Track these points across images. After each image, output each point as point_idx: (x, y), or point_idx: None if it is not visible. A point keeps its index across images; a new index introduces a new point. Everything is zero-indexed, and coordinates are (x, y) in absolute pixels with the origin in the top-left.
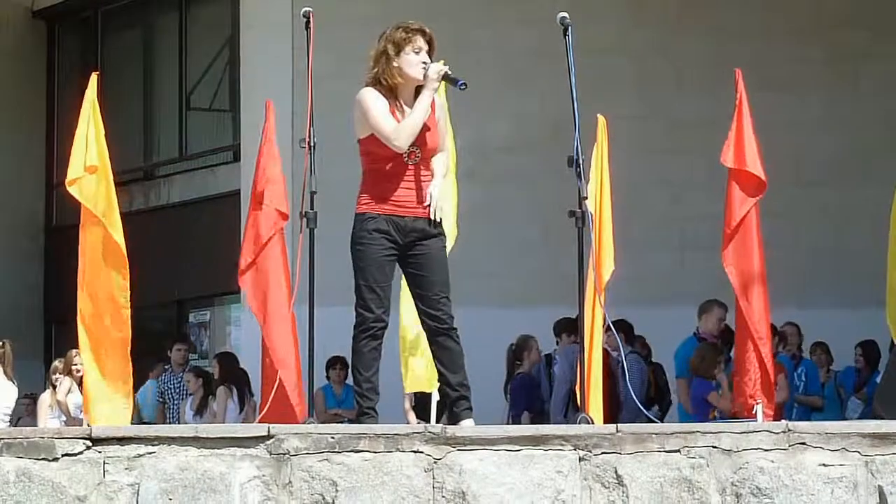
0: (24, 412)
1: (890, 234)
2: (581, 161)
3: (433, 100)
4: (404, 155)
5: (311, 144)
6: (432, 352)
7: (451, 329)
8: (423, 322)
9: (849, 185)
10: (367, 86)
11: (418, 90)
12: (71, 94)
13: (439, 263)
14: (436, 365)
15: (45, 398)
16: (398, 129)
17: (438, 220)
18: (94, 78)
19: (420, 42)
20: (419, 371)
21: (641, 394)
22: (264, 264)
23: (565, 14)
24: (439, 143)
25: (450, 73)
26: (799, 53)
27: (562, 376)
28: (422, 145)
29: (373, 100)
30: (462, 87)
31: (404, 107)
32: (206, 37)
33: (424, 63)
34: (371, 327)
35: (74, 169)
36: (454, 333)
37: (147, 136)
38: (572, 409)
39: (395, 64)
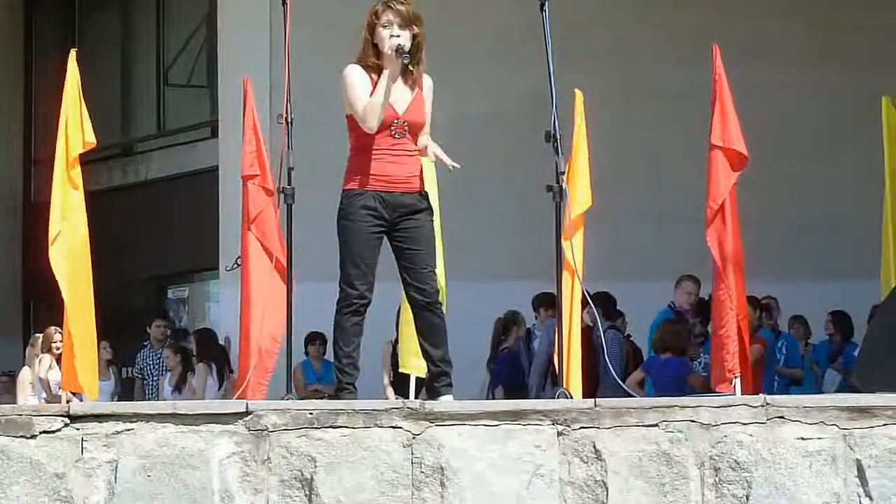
0: (2, 390)
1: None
2: (559, 136)
3: (419, 76)
4: (392, 128)
5: (289, 120)
6: (416, 326)
7: (436, 303)
8: (408, 295)
9: (829, 158)
10: (355, 62)
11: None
12: (49, 71)
13: (426, 238)
14: (418, 339)
15: (25, 375)
16: (364, 110)
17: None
18: (72, 55)
19: (389, 16)
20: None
21: (620, 369)
22: (255, 239)
23: None
24: (426, 118)
25: (402, 46)
26: (781, 26)
27: (541, 349)
28: (408, 118)
29: (353, 77)
30: (405, 60)
31: (398, 84)
32: (184, 13)
33: (394, 37)
34: (353, 303)
35: (75, 147)
36: (438, 308)
37: (125, 113)
38: (550, 384)
39: (373, 41)
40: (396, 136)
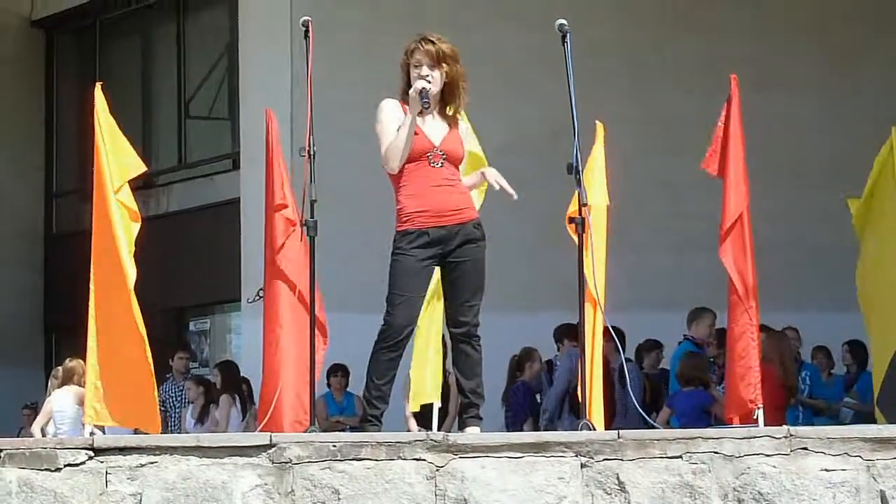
0: (25, 423)
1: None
2: (580, 168)
3: (455, 114)
4: (429, 157)
5: (312, 153)
6: (453, 356)
7: (475, 336)
8: (448, 324)
9: (846, 186)
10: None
11: (445, 97)
12: (70, 103)
13: (477, 270)
14: (454, 369)
15: (49, 407)
16: (386, 151)
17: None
18: (98, 88)
19: (418, 56)
20: (423, 385)
21: (640, 402)
22: (280, 270)
23: (563, 21)
24: (462, 152)
25: (426, 89)
26: (797, 52)
27: (560, 376)
28: (445, 148)
29: (384, 113)
30: (425, 106)
31: (433, 119)
32: (205, 45)
33: (420, 78)
34: (391, 337)
35: (123, 174)
36: (476, 341)
37: (146, 145)
38: (567, 411)
39: (407, 80)
40: (435, 164)
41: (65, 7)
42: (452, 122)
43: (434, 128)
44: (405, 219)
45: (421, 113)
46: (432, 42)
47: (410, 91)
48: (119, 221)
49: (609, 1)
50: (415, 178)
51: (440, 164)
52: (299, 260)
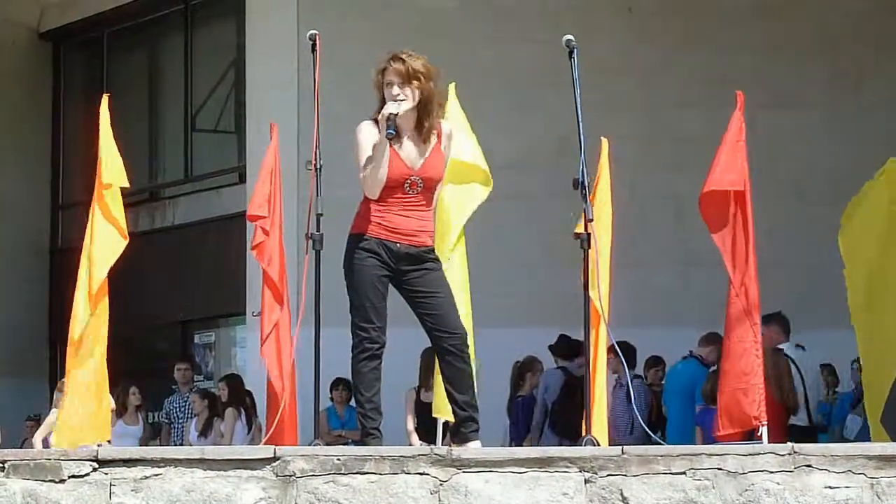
0: (28, 434)
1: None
2: (587, 183)
3: (433, 127)
4: (406, 185)
5: (318, 167)
6: (441, 371)
7: (463, 347)
8: (433, 341)
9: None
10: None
11: (420, 115)
12: (77, 116)
13: (439, 282)
14: (444, 384)
15: (53, 418)
16: (364, 181)
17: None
18: (104, 101)
19: (390, 75)
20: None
21: (645, 420)
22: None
23: (571, 37)
24: (442, 174)
25: (392, 114)
26: (802, 70)
27: (540, 399)
28: (424, 174)
29: (360, 136)
30: (389, 136)
31: (410, 141)
32: (212, 58)
33: (395, 97)
34: (368, 348)
35: (109, 175)
36: (465, 353)
37: (152, 158)
38: (549, 431)
39: (381, 98)
40: (410, 191)
41: (72, 20)
42: (430, 138)
43: (413, 151)
44: (358, 221)
45: (416, 126)
46: (402, 60)
47: (378, 116)
48: (103, 233)
49: (616, 18)
50: (385, 196)
51: (417, 192)
52: (279, 267)
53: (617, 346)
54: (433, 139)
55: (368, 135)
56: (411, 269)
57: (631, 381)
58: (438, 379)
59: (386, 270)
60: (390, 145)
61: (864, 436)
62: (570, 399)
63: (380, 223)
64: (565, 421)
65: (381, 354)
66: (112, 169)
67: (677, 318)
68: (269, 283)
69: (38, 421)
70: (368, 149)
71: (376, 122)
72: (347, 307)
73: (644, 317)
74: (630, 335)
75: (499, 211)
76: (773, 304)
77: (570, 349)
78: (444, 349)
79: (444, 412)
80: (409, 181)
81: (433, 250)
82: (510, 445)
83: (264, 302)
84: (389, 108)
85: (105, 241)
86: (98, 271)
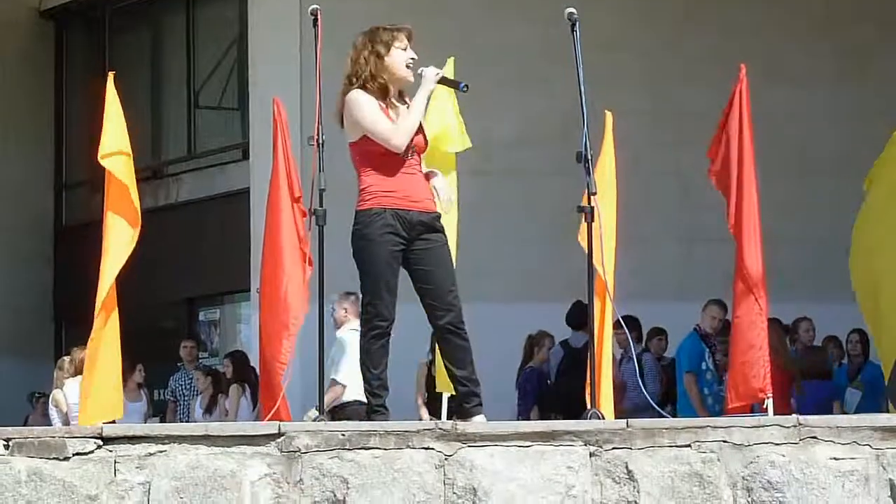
0: (39, 411)
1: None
2: (590, 156)
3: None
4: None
5: (320, 142)
6: (440, 348)
7: (462, 323)
8: (430, 317)
9: (856, 178)
10: (354, 88)
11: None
12: (80, 94)
13: (445, 257)
14: (443, 361)
15: (60, 396)
16: (396, 130)
17: (445, 210)
18: (110, 78)
19: (404, 39)
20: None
21: (657, 393)
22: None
23: (573, 10)
24: (426, 142)
25: (447, 76)
26: (806, 47)
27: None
28: (415, 139)
29: (366, 102)
30: (464, 90)
31: (396, 105)
32: (214, 35)
33: (412, 59)
34: (378, 325)
35: (109, 145)
36: (462, 329)
37: (156, 135)
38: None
39: (386, 63)
40: (409, 157)
41: None
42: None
43: (399, 116)
44: (369, 197)
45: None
46: (406, 27)
47: (427, 74)
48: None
49: None
50: (384, 162)
51: (411, 155)
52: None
53: (622, 321)
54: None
55: (371, 102)
56: (419, 238)
57: (640, 355)
58: (439, 355)
59: (401, 244)
60: (386, 110)
61: (863, 409)
62: (566, 374)
63: (393, 192)
64: (564, 395)
65: (390, 332)
66: (118, 139)
67: (682, 293)
68: (274, 258)
69: (44, 398)
70: (379, 112)
71: (369, 90)
72: (351, 282)
73: (649, 291)
74: (635, 310)
75: (501, 187)
76: (778, 277)
77: (581, 316)
78: (440, 327)
79: (446, 387)
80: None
81: (440, 217)
82: (517, 419)
83: (265, 277)
84: (433, 68)
85: (118, 232)
86: (114, 262)
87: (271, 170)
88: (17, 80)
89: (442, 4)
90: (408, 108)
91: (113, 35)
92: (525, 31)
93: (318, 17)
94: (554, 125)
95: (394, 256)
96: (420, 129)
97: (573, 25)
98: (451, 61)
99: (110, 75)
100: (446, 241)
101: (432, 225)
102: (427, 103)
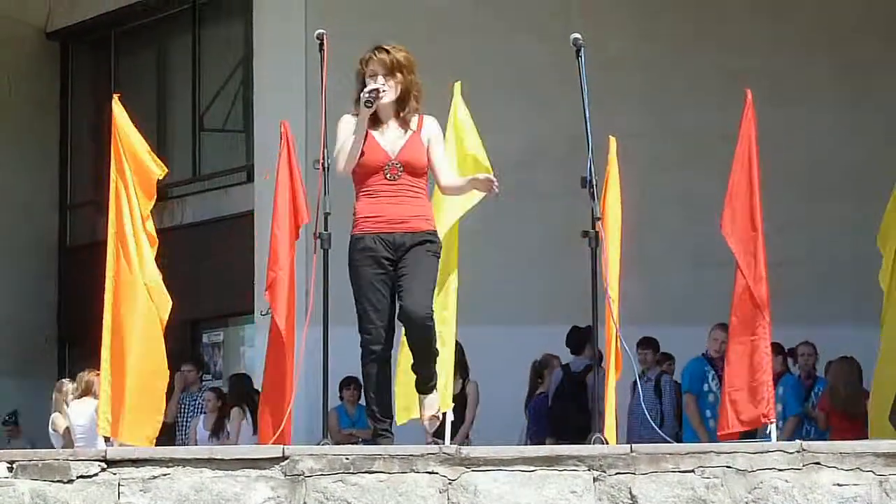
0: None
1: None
2: (595, 181)
3: (410, 118)
4: (385, 171)
5: (325, 166)
6: (409, 346)
7: (428, 319)
8: (402, 314)
9: (864, 199)
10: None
11: (399, 104)
12: (85, 115)
13: (422, 264)
14: (412, 363)
15: (61, 421)
16: (337, 155)
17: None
18: (116, 101)
19: (373, 66)
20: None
21: (675, 415)
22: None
23: (578, 35)
24: (424, 160)
25: (373, 90)
26: (809, 65)
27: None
28: (402, 159)
29: (340, 125)
30: (367, 106)
31: (390, 128)
32: (219, 58)
33: (367, 91)
34: (372, 350)
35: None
36: (431, 328)
37: (160, 156)
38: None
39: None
40: (391, 177)
41: (80, 19)
42: (410, 127)
43: (391, 138)
44: (355, 222)
45: (395, 115)
46: (386, 51)
47: (363, 92)
48: (144, 246)
49: (626, 15)
50: (369, 185)
51: (397, 177)
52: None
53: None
54: (413, 126)
55: (346, 125)
56: (408, 251)
57: (659, 377)
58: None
59: (384, 267)
60: (369, 132)
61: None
62: (561, 398)
63: (372, 216)
64: (558, 418)
65: (388, 355)
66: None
67: (688, 317)
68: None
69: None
70: (342, 135)
71: (354, 114)
72: (355, 306)
73: (655, 315)
74: (641, 334)
75: (509, 209)
76: (784, 300)
77: (579, 340)
78: (413, 323)
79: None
80: (388, 166)
81: (435, 234)
82: (527, 443)
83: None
84: (373, 85)
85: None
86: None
87: (275, 192)
88: (24, 101)
89: (448, 27)
90: (405, 131)
91: (119, 57)
92: (533, 53)
93: (325, 41)
94: (562, 145)
95: (378, 279)
96: (412, 148)
97: (578, 51)
98: (457, 86)
99: (115, 98)
100: (432, 249)
101: (419, 240)
102: (362, 127)
